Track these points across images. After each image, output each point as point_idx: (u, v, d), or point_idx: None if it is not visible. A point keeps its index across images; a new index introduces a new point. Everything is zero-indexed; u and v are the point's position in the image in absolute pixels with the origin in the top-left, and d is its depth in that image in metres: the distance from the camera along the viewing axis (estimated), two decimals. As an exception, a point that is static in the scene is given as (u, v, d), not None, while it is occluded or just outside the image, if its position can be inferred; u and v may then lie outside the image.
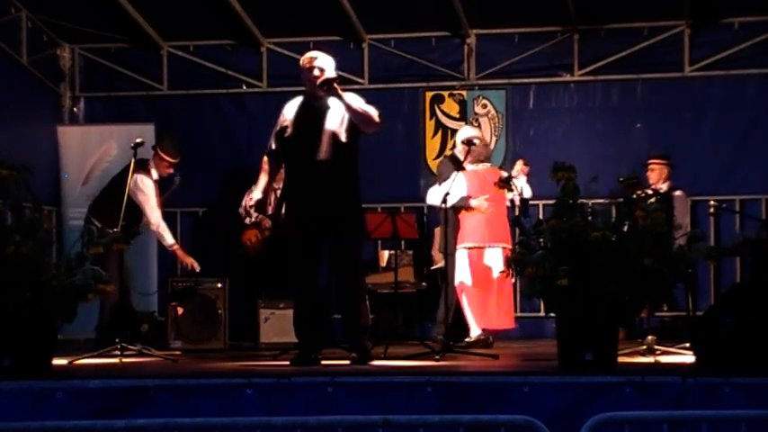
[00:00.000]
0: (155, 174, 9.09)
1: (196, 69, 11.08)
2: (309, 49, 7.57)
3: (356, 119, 6.95)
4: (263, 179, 7.25)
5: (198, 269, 9.21)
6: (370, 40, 10.93)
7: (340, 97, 6.90)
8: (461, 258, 8.83)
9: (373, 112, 7.02)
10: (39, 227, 6.42)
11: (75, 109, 11.27)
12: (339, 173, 6.98)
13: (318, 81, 6.92)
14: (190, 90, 11.14)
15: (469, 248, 8.81)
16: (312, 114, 7.02)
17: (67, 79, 11.18)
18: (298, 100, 7.19)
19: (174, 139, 9.32)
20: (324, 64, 7.02)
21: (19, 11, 10.36)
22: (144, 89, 11.17)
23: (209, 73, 11.08)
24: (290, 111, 7.16)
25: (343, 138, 6.96)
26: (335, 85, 6.87)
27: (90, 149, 10.66)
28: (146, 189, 8.93)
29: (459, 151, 8.93)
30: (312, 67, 7.00)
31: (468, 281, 8.80)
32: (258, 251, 9.80)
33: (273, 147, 7.19)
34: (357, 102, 6.99)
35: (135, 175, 8.69)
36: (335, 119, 6.98)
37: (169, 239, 9.15)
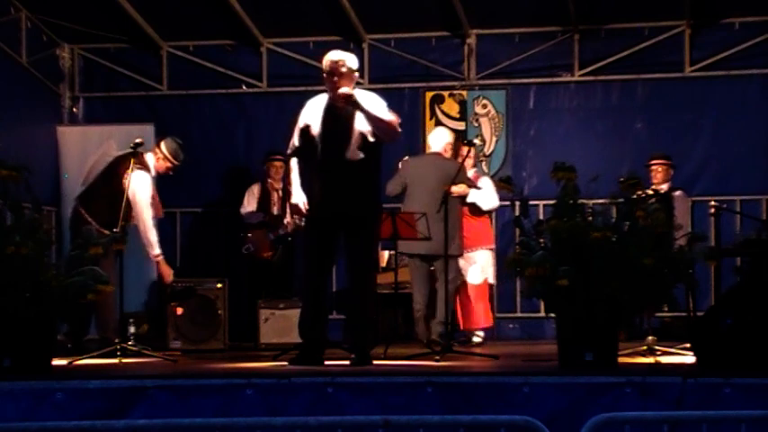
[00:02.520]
0: (152, 171, 8.82)
1: (196, 69, 11.08)
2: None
3: (377, 129, 6.93)
4: (297, 180, 7.18)
5: (170, 281, 8.89)
6: (370, 40, 10.93)
7: (361, 109, 6.87)
8: (489, 258, 9.30)
9: (394, 120, 7.02)
10: (39, 227, 6.43)
11: (74, 109, 11.27)
12: (366, 173, 6.98)
13: (337, 94, 6.88)
14: (189, 90, 11.13)
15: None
16: (340, 114, 6.97)
17: (67, 79, 11.19)
18: (322, 99, 7.11)
19: (179, 141, 8.99)
20: (350, 64, 6.95)
21: (19, 11, 10.36)
22: (144, 89, 11.17)
23: (208, 73, 11.07)
24: (313, 109, 7.09)
25: (371, 138, 6.95)
26: (355, 99, 6.85)
27: (90, 149, 10.61)
28: (144, 186, 8.58)
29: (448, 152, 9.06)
30: (333, 72, 6.94)
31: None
32: (268, 252, 9.78)
33: (297, 145, 7.15)
34: (378, 110, 6.96)
35: (134, 168, 8.53)
36: (363, 119, 6.95)
37: (156, 249, 8.68)
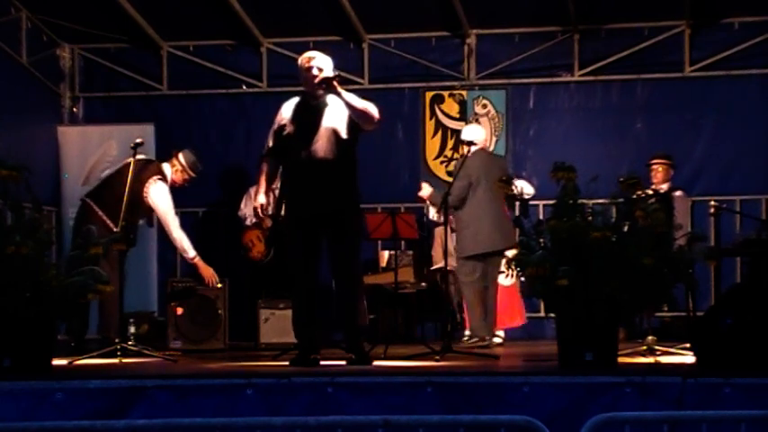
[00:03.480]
0: (169, 180, 8.82)
1: (196, 69, 11.08)
2: (309, 49, 7.57)
3: (356, 116, 6.94)
4: (263, 182, 7.23)
5: (219, 285, 8.98)
6: (370, 40, 10.93)
7: (339, 95, 6.89)
8: None
9: (373, 108, 7.01)
10: (39, 227, 6.42)
11: (74, 109, 11.28)
12: (338, 170, 6.98)
13: (317, 80, 6.91)
14: (189, 90, 11.14)
15: None
16: (311, 112, 7.02)
17: (67, 79, 11.19)
18: (296, 99, 7.19)
19: (196, 154, 9.04)
20: (322, 63, 7.01)
21: (19, 11, 10.36)
22: (144, 89, 11.17)
23: (208, 73, 11.07)
24: (288, 110, 7.15)
25: (343, 134, 6.96)
26: (335, 83, 6.87)
27: (90, 150, 10.67)
28: (166, 197, 8.66)
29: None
30: (310, 67, 6.99)
31: None
32: (261, 252, 9.79)
33: (271, 145, 7.18)
34: (356, 99, 6.99)
35: (155, 180, 8.62)
36: (335, 116, 6.98)
37: (191, 252, 8.81)
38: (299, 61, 7.12)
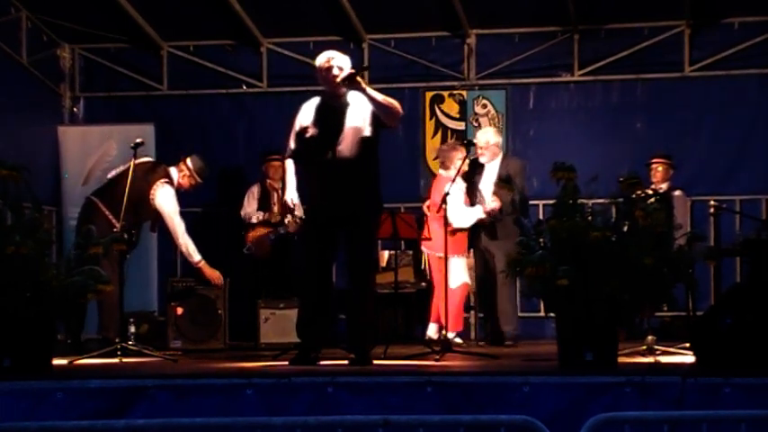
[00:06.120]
0: (175, 184, 8.88)
1: (196, 69, 11.08)
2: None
3: (381, 111, 6.91)
4: (293, 181, 7.20)
5: (221, 284, 9.04)
6: (370, 40, 10.93)
7: (364, 90, 6.86)
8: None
9: (396, 103, 7.01)
10: (39, 227, 6.43)
11: (75, 109, 11.28)
12: (363, 170, 6.97)
13: (339, 78, 6.87)
14: (190, 90, 11.13)
15: None
16: (333, 113, 6.97)
17: (67, 79, 11.19)
18: (315, 101, 7.14)
19: (205, 160, 9.13)
20: (341, 62, 6.98)
21: (19, 11, 10.36)
22: (144, 89, 11.17)
23: (208, 73, 11.07)
24: (308, 112, 7.11)
25: (366, 132, 6.94)
26: (358, 78, 6.84)
27: (90, 149, 10.67)
28: (172, 201, 8.71)
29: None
30: (331, 67, 6.95)
31: None
32: (267, 253, 9.77)
33: (293, 147, 7.16)
34: (379, 94, 6.96)
35: (162, 183, 8.67)
36: (357, 115, 6.95)
37: (196, 256, 8.86)
38: (318, 62, 7.05)
